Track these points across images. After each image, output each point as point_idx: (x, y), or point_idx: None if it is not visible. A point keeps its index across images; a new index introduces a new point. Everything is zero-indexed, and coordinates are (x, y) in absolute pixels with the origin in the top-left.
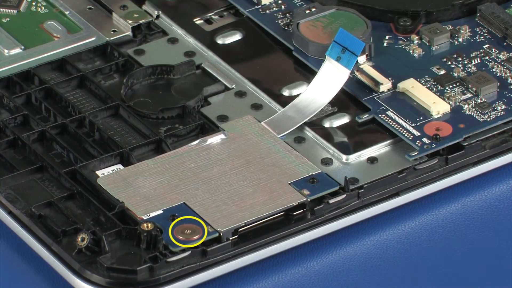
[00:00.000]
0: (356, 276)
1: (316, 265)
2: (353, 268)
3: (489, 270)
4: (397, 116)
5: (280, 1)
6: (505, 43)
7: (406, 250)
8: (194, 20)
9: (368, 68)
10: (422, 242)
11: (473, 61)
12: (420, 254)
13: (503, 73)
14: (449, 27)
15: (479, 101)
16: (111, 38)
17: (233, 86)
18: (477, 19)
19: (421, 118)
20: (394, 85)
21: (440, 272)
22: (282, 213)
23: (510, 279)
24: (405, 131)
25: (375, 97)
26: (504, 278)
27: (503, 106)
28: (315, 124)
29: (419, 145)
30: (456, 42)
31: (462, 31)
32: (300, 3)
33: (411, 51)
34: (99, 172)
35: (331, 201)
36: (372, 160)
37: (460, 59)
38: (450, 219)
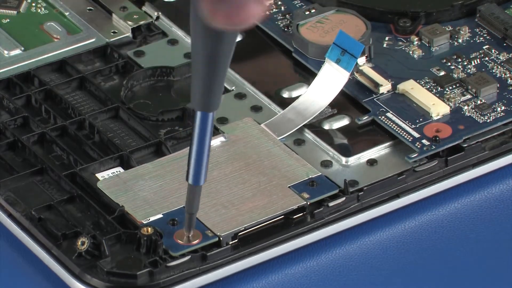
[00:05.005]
0: (356, 276)
1: (316, 266)
2: (353, 268)
3: (489, 270)
4: (397, 117)
5: (279, 2)
6: (505, 44)
7: (406, 250)
8: None
9: (367, 69)
10: (422, 242)
11: (472, 62)
12: (420, 254)
13: (503, 74)
14: (448, 28)
15: (478, 102)
16: (111, 40)
17: (233, 88)
18: (477, 20)
19: (420, 119)
20: (394, 87)
21: (440, 272)
22: (282, 216)
23: (510, 279)
24: (404, 133)
25: (374, 99)
26: (504, 278)
27: (503, 107)
28: (315, 126)
29: (418, 146)
30: (456, 43)
31: (462, 32)
32: (299, 4)
33: (410, 52)
34: (99, 175)
35: (331, 204)
36: (371, 162)
37: (459, 60)
38: (450, 220)
